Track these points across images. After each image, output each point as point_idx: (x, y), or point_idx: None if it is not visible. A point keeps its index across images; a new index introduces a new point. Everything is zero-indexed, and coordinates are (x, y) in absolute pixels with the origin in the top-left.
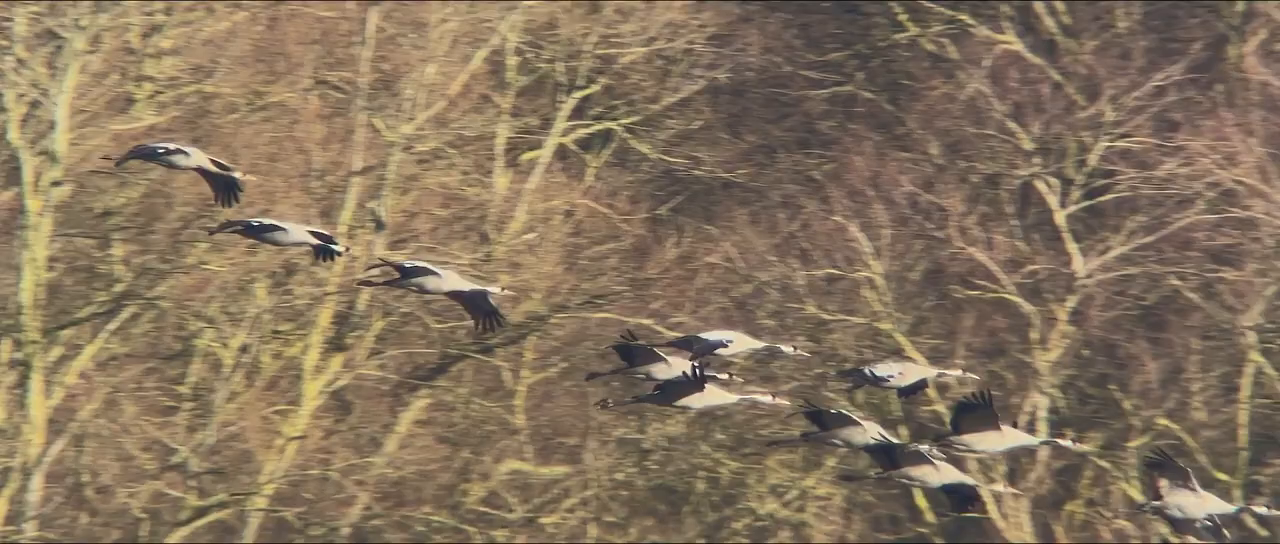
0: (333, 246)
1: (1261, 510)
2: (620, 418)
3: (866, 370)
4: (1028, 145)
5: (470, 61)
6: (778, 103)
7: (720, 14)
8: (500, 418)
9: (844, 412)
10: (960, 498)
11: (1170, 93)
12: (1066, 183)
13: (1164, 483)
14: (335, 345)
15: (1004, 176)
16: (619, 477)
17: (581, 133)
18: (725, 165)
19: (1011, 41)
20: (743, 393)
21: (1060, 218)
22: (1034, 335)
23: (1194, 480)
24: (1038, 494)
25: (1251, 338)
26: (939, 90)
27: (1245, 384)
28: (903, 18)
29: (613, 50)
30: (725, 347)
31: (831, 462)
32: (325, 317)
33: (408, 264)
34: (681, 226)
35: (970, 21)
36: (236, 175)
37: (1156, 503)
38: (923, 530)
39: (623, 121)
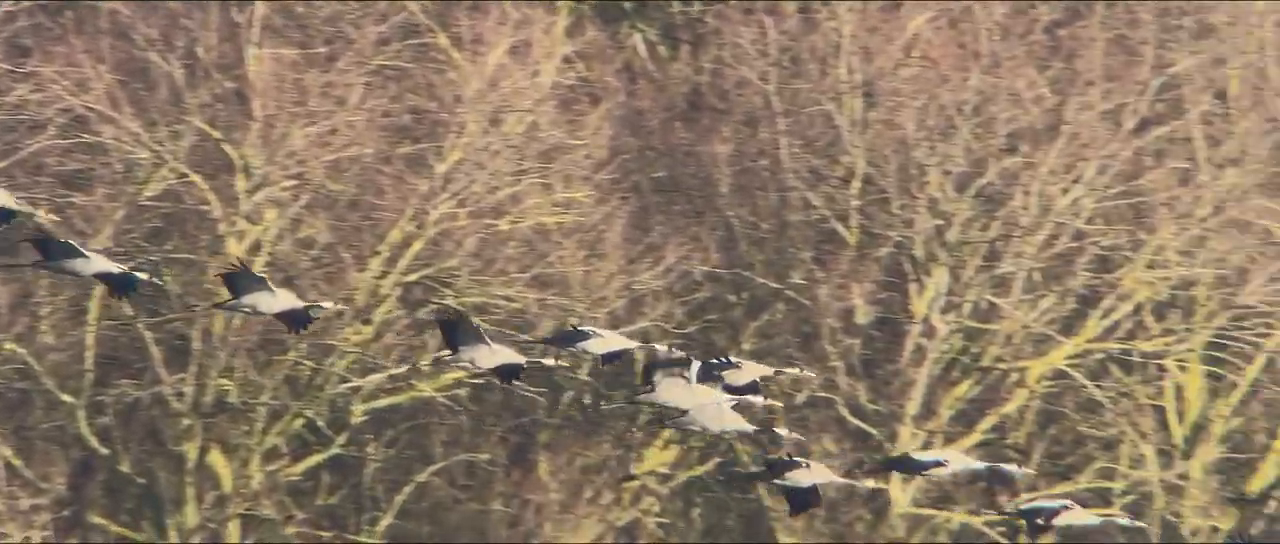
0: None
1: None
2: None
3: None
4: None
5: None
6: None
7: None
8: None
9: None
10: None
11: (21, 18)
12: None
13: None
14: None
15: None
16: None
17: None
18: None
19: None
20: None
21: None
22: None
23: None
24: None
25: None
26: None
27: (93, 307)
28: None
29: None
30: (588, 339)
31: None
32: None
33: (254, 277)
34: None
35: None
36: (40, 215)
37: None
38: None
39: None
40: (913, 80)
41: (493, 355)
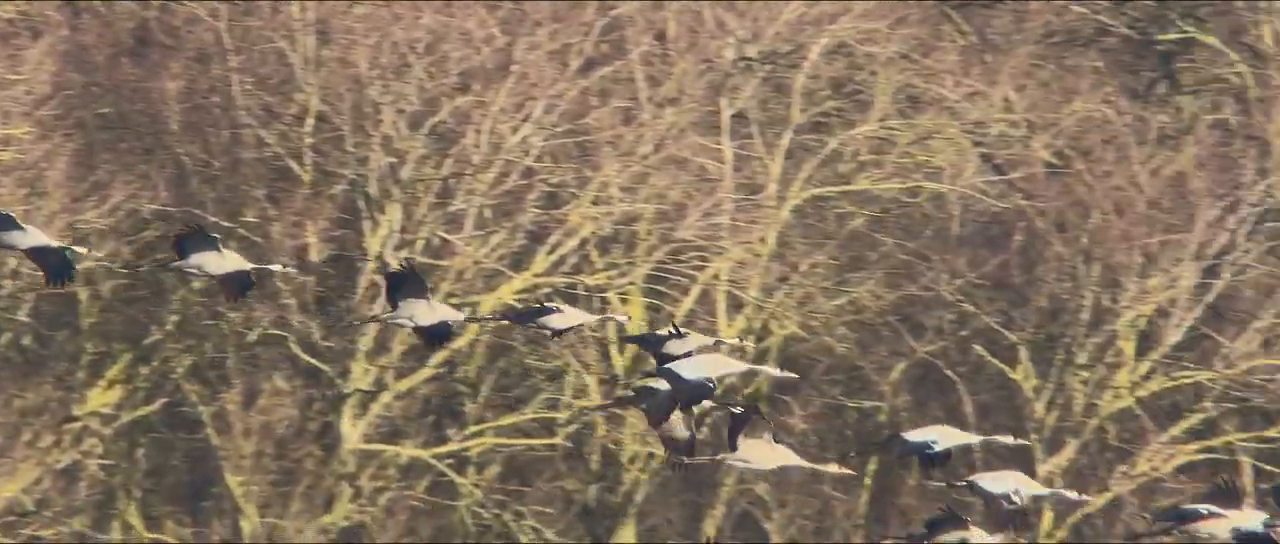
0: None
1: None
2: None
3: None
4: None
5: None
6: None
7: None
8: None
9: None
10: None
11: None
12: None
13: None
14: None
15: None
16: None
17: None
18: None
19: None
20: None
21: None
22: None
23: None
24: None
25: None
26: None
27: None
28: None
29: None
30: (551, 315)
31: None
32: None
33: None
34: None
35: None
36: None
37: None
38: None
39: None
40: (366, 19)
41: (432, 312)
